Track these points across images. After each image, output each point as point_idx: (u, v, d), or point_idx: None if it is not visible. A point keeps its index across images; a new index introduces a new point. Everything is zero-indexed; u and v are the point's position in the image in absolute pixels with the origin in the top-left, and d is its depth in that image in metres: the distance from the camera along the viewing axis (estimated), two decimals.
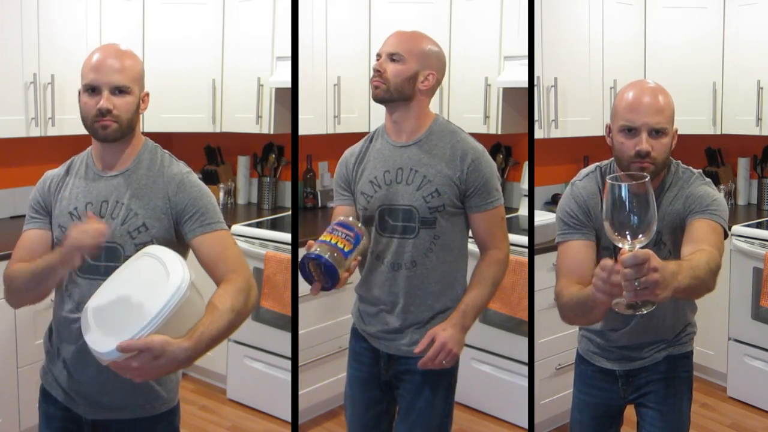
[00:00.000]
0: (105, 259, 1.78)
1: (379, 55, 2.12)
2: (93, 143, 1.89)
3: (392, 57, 2.08)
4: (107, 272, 1.74)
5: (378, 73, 2.08)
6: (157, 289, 1.58)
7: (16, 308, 1.93)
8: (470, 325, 2.11)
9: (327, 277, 1.88)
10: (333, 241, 1.91)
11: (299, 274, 1.94)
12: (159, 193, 1.82)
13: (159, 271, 1.63)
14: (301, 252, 3.29)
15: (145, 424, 1.86)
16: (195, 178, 1.88)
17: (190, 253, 1.86)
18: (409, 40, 2.11)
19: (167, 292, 1.56)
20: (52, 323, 1.91)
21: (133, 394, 1.79)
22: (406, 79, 2.08)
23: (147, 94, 1.90)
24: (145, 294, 1.60)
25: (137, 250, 1.76)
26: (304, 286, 3.32)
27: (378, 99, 2.11)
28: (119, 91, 1.80)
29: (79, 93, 1.84)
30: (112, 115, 1.79)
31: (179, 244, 1.83)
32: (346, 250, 1.90)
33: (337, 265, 1.87)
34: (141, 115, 1.90)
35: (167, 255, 1.68)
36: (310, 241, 1.93)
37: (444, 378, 2.15)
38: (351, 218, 1.99)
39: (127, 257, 1.76)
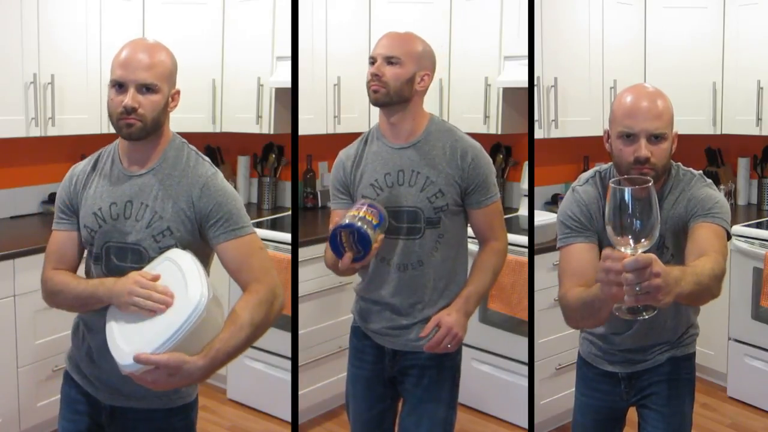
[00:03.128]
0: (131, 261, 1.79)
1: (373, 59, 2.12)
2: (120, 139, 1.86)
3: (389, 60, 2.09)
4: None
5: (376, 77, 2.09)
6: (175, 305, 1.61)
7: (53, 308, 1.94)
8: (473, 311, 2.15)
9: (360, 246, 1.94)
10: (362, 214, 1.97)
11: (330, 246, 1.98)
12: (183, 196, 1.80)
13: (179, 283, 1.64)
14: (302, 252, 3.33)
15: (161, 415, 1.88)
16: (220, 180, 1.84)
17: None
18: (403, 42, 2.13)
19: (185, 310, 1.58)
20: (80, 315, 1.91)
21: None
22: (405, 82, 2.10)
23: (178, 92, 1.85)
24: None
25: (161, 254, 1.76)
26: (304, 286, 3.34)
27: (378, 103, 2.12)
28: (146, 89, 1.76)
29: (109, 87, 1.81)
30: (136, 114, 1.76)
31: (205, 247, 1.82)
32: (374, 223, 1.97)
33: (370, 235, 1.94)
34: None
35: (187, 265, 1.68)
36: (336, 218, 2.01)
37: (449, 371, 2.18)
38: (371, 200, 2.05)
39: (151, 259, 1.77)
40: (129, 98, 1.75)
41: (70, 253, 1.87)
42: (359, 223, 1.93)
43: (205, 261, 1.81)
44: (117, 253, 1.81)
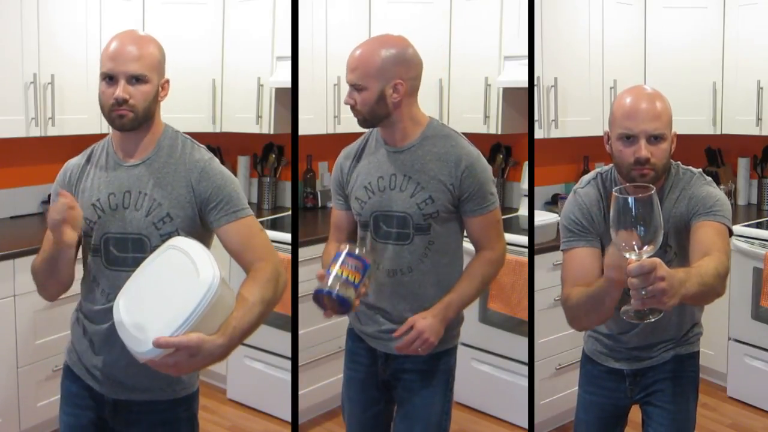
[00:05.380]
0: (132, 251, 1.79)
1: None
2: (113, 131, 1.88)
3: (355, 87, 2.06)
4: (135, 263, 1.75)
5: (350, 106, 2.08)
6: (188, 288, 1.60)
7: (50, 300, 1.95)
8: (453, 317, 2.12)
9: (340, 308, 1.96)
10: (344, 275, 1.95)
11: (313, 300, 1.99)
12: (181, 182, 1.81)
13: (188, 268, 1.64)
14: (302, 252, 3.32)
15: (164, 407, 1.88)
16: (217, 164, 1.87)
17: (216, 239, 1.87)
18: (363, 64, 2.04)
19: (199, 291, 1.58)
20: (80, 308, 1.92)
21: (154, 377, 1.79)
22: (374, 104, 2.05)
23: (167, 81, 1.88)
24: (176, 292, 1.62)
25: (163, 241, 1.77)
26: (304, 286, 3.34)
27: (362, 127, 2.12)
28: (136, 80, 1.79)
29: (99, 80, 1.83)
30: (128, 105, 1.78)
31: (204, 231, 1.84)
32: (356, 282, 1.96)
33: (348, 297, 1.94)
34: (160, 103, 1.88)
35: (194, 249, 1.68)
36: (321, 272, 1.96)
37: (442, 375, 2.16)
38: (358, 249, 2.01)
39: (154, 248, 1.77)
40: (120, 90, 1.78)
41: None
42: (339, 289, 1.93)
43: (206, 245, 1.81)
44: (117, 244, 1.81)
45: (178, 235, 1.78)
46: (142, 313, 1.64)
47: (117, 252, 1.80)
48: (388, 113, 2.07)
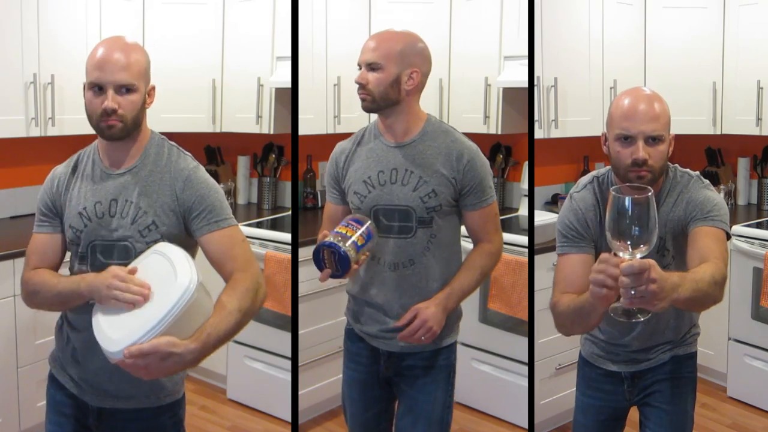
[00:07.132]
0: (117, 258, 1.79)
1: (359, 65, 2.11)
2: (99, 139, 1.88)
3: (371, 66, 2.07)
4: None
5: (361, 86, 2.09)
6: (165, 290, 1.61)
7: (30, 308, 1.95)
8: (453, 308, 2.15)
9: (339, 266, 1.98)
10: (348, 234, 2.00)
11: (313, 260, 2.01)
12: (166, 190, 1.82)
13: (167, 271, 1.65)
14: (302, 252, 3.33)
15: (149, 414, 1.88)
16: (202, 173, 1.87)
17: (199, 248, 1.87)
18: (384, 45, 2.08)
19: (175, 294, 1.58)
20: (65, 315, 1.91)
21: (138, 385, 1.80)
22: (388, 86, 2.07)
23: (153, 88, 1.87)
24: (153, 295, 1.63)
25: (148, 248, 1.77)
26: (304, 286, 3.35)
27: (367, 110, 2.13)
28: (125, 89, 1.78)
29: (84, 88, 1.81)
30: (117, 115, 1.77)
31: (188, 239, 1.84)
32: (359, 243, 1.99)
33: (350, 256, 1.97)
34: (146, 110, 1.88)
35: (175, 254, 1.69)
36: (325, 231, 2.01)
37: (443, 371, 2.18)
38: (363, 215, 2.06)
39: (138, 255, 1.77)
40: (109, 100, 1.76)
41: (51, 255, 1.88)
42: (341, 244, 1.96)
43: (190, 253, 1.81)
44: (103, 251, 1.81)
45: (163, 241, 1.78)
46: (119, 314, 1.64)
47: (103, 259, 1.80)
48: (398, 100, 2.09)
